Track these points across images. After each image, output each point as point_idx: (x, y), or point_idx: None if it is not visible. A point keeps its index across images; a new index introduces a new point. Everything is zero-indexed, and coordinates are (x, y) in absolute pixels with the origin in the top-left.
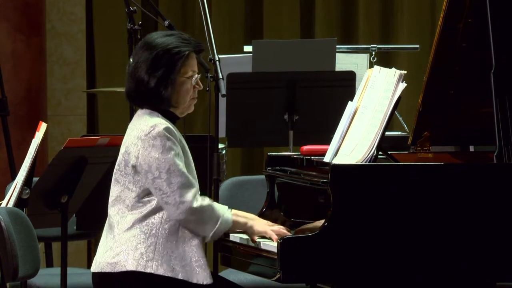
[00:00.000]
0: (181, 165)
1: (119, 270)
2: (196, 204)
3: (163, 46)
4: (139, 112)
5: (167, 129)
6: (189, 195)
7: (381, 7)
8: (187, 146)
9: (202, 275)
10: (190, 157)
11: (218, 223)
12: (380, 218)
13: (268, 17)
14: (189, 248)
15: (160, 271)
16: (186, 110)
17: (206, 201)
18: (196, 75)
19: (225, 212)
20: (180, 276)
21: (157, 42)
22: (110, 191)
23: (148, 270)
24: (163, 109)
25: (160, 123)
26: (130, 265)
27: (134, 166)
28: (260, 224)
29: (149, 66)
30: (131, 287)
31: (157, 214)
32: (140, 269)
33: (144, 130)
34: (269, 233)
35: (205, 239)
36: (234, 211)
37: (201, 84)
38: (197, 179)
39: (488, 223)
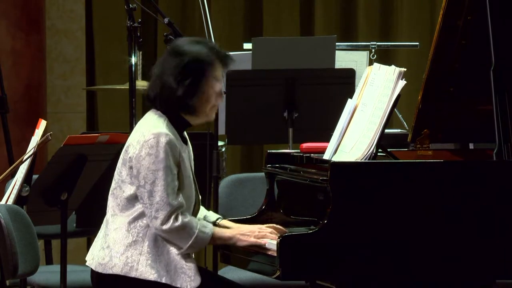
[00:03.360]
0: (168, 180)
1: (107, 272)
2: (166, 226)
3: (192, 54)
4: (150, 112)
5: (168, 142)
6: (162, 216)
7: (380, 4)
8: (191, 155)
9: (186, 281)
10: (190, 169)
11: (191, 240)
12: (380, 216)
13: (267, 14)
14: (175, 252)
15: (145, 275)
16: (206, 118)
17: (178, 221)
18: (220, 85)
19: (204, 229)
20: (163, 280)
21: (185, 49)
22: (112, 181)
23: (133, 274)
24: (178, 115)
25: (163, 133)
26: (116, 269)
27: (131, 168)
28: (244, 238)
29: (178, 74)
30: None
31: (145, 216)
32: (125, 273)
33: (145, 135)
34: (255, 242)
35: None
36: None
37: (222, 93)
38: (194, 190)
39: (487, 220)
